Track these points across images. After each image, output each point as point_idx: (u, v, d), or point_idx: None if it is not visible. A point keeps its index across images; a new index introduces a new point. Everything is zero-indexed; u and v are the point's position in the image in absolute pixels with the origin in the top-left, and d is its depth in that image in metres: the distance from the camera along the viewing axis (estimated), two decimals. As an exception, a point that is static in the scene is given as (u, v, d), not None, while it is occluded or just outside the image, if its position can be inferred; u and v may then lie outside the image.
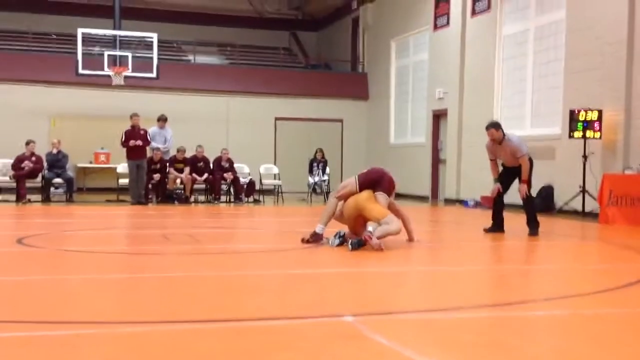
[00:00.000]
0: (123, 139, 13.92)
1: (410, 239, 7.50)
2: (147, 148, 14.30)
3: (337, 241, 6.87)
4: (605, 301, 4.47)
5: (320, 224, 7.19)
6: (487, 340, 3.36)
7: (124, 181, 14.99)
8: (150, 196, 14.58)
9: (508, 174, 8.92)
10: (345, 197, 7.21)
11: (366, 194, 7.09)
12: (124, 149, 14.07)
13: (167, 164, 14.75)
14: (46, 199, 14.18)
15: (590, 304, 4.35)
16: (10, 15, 21.24)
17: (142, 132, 14.07)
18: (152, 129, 14.87)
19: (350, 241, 6.70)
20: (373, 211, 6.89)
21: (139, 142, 13.88)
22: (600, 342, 3.32)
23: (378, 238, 6.62)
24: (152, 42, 16.64)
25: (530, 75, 14.22)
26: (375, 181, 7.28)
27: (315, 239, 7.13)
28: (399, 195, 11.37)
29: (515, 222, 9.08)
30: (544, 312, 4.08)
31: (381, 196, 7.12)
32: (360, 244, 6.59)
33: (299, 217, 11.37)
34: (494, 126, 8.88)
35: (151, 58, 16.65)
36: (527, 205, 8.75)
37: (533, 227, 8.65)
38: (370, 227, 6.80)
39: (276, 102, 20.46)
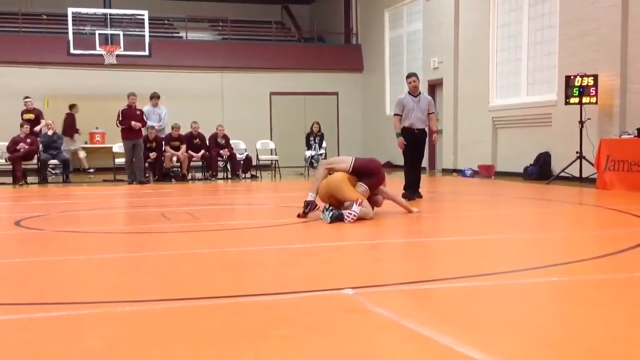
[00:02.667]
0: (120, 118, 13.74)
1: (409, 212, 7.50)
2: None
3: (328, 215, 6.74)
4: (603, 267, 4.48)
5: (311, 193, 7.21)
6: (488, 309, 3.37)
7: (120, 161, 14.96)
8: (147, 175, 14.56)
9: (412, 139, 9.41)
10: (335, 171, 7.20)
11: (340, 175, 7.05)
12: (119, 128, 13.95)
13: (163, 142, 14.70)
14: (43, 181, 14.16)
15: (589, 270, 4.36)
16: (-1, -3, 21.04)
17: (138, 112, 13.93)
18: (146, 108, 14.79)
19: (331, 214, 6.64)
20: (349, 193, 6.88)
21: (139, 125, 13.73)
22: (599, 308, 3.33)
23: (356, 218, 6.66)
24: (143, 19, 16.52)
25: (525, 42, 14.15)
26: (370, 171, 7.24)
27: (310, 207, 7.14)
28: (398, 167, 11.30)
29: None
30: (543, 279, 4.09)
31: (362, 187, 7.09)
32: (339, 218, 6.61)
33: (296, 191, 11.35)
34: (417, 75, 9.62)
35: (143, 36, 16.56)
36: (419, 171, 9.53)
37: (416, 191, 9.33)
38: (360, 200, 6.77)
39: (271, 77, 20.35)
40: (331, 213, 6.67)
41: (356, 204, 6.72)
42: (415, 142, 9.46)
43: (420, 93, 9.54)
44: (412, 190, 9.31)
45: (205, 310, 3.37)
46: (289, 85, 20.43)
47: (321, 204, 7.14)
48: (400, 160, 10.33)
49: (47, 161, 14.38)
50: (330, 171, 7.23)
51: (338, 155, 17.42)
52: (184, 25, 21.36)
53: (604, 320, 3.11)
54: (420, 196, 9.38)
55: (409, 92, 9.49)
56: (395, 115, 9.54)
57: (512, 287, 3.91)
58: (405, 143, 9.39)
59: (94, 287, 3.99)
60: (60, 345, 2.82)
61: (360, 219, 6.72)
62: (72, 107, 17.06)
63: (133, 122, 13.61)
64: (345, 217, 6.65)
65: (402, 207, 7.57)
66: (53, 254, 5.38)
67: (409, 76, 9.61)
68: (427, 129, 9.53)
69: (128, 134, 13.81)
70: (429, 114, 9.47)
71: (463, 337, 2.79)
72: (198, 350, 2.71)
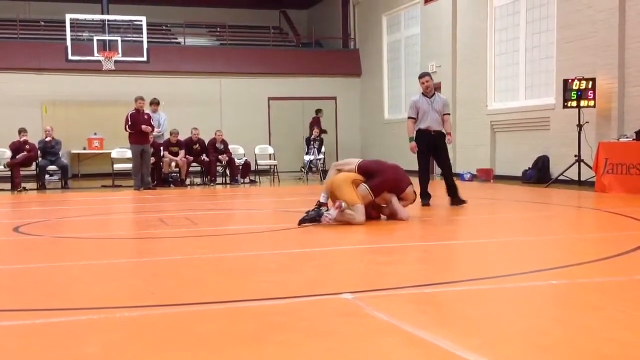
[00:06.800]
0: (129, 123, 13.51)
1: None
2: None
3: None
4: (603, 269, 4.48)
5: (323, 193, 7.26)
6: (487, 312, 3.36)
7: (119, 166, 14.94)
8: (154, 181, 14.49)
9: (431, 142, 8.99)
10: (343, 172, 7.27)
11: (345, 175, 7.12)
12: (127, 133, 13.70)
13: (162, 148, 14.68)
14: (41, 187, 14.14)
15: (589, 273, 4.36)
16: (-2, 4, 21.08)
17: (145, 116, 13.78)
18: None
19: (304, 216, 6.92)
20: (346, 195, 6.90)
21: (149, 129, 13.61)
22: (599, 311, 3.33)
23: (337, 220, 6.76)
24: (141, 25, 16.53)
25: (523, 46, 14.17)
26: (373, 172, 7.19)
27: (320, 206, 7.21)
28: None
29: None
30: (543, 282, 4.09)
31: (364, 188, 7.07)
32: (313, 220, 6.84)
33: (295, 196, 11.35)
34: (430, 75, 9.22)
35: (141, 42, 16.58)
36: (450, 174, 9.09)
37: (456, 194, 8.91)
38: (338, 203, 6.85)
39: (269, 82, 20.37)
40: (305, 215, 6.90)
41: (334, 207, 6.77)
42: (434, 144, 9.02)
43: (434, 93, 9.06)
44: (426, 198, 8.99)
45: (203, 316, 3.36)
46: (287, 90, 20.43)
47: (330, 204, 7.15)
48: (407, 165, 10.04)
49: (45, 167, 14.37)
50: (339, 172, 7.31)
51: (337, 159, 17.44)
52: (182, 30, 21.38)
53: (604, 323, 3.10)
54: (462, 201, 8.85)
55: (422, 93, 9.00)
56: (409, 118, 9.04)
57: (511, 291, 3.90)
58: (418, 148, 8.96)
59: (92, 293, 3.98)
60: (59, 351, 2.81)
61: (346, 223, 6.76)
62: (318, 111, 18.97)
63: (144, 126, 13.50)
64: (322, 218, 6.79)
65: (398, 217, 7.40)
66: (52, 260, 5.37)
67: (421, 76, 9.09)
68: (443, 130, 9.03)
69: (136, 138, 13.57)
70: (444, 114, 8.99)
71: (463, 340, 2.79)
72: (196, 355, 2.70)
